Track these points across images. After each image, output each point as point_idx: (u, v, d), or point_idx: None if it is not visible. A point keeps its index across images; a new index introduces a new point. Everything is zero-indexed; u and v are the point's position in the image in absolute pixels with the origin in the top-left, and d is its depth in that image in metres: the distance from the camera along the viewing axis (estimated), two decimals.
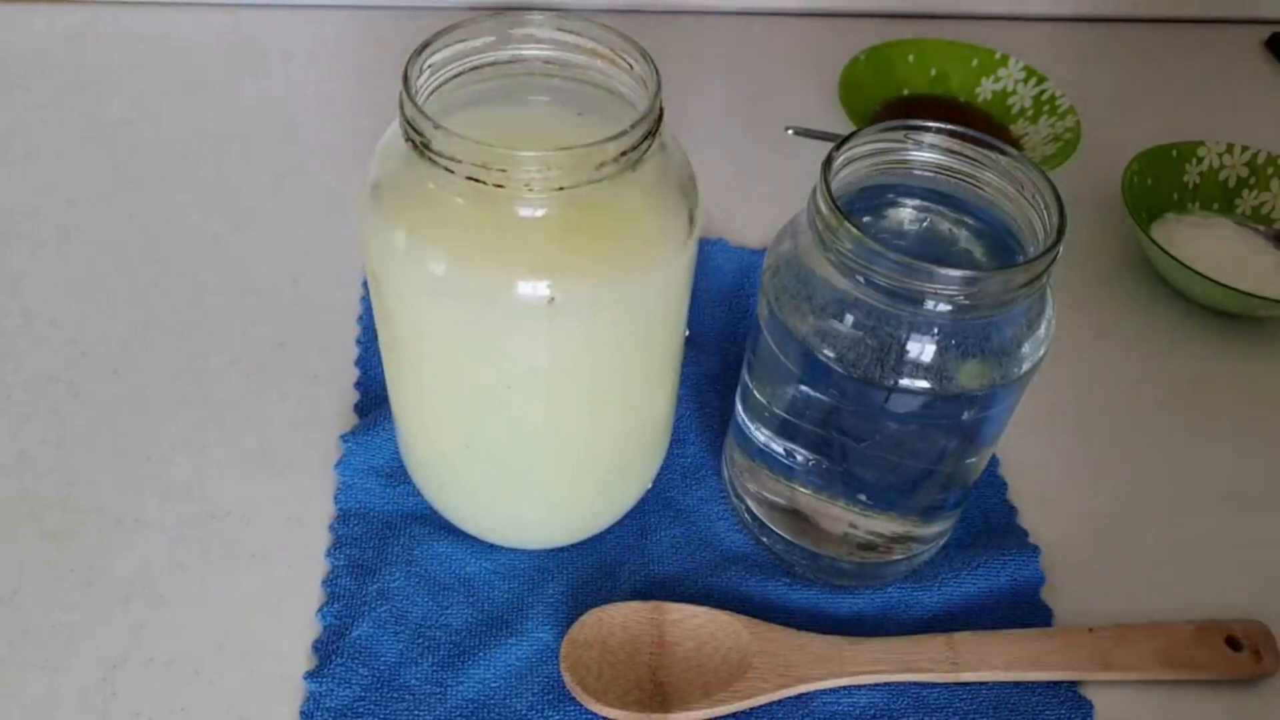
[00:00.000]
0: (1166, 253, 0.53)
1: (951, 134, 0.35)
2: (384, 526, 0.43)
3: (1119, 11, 0.79)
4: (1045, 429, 0.49)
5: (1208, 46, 0.77)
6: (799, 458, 0.39)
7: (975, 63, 0.66)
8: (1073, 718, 0.39)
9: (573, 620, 0.39)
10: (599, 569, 0.42)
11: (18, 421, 0.46)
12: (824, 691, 0.39)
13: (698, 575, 0.42)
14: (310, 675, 0.38)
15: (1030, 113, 0.63)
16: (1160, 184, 0.58)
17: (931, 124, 0.35)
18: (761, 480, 0.41)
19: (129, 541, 0.42)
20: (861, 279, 0.33)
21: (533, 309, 0.32)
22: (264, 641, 0.40)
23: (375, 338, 0.49)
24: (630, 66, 0.34)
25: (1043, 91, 0.63)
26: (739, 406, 0.41)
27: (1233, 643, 0.40)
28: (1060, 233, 0.32)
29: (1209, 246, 0.55)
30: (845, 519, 0.39)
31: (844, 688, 0.39)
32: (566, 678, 0.38)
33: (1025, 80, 0.64)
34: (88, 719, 0.37)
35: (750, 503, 0.43)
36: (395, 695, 0.38)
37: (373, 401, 0.48)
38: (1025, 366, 0.34)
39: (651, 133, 0.32)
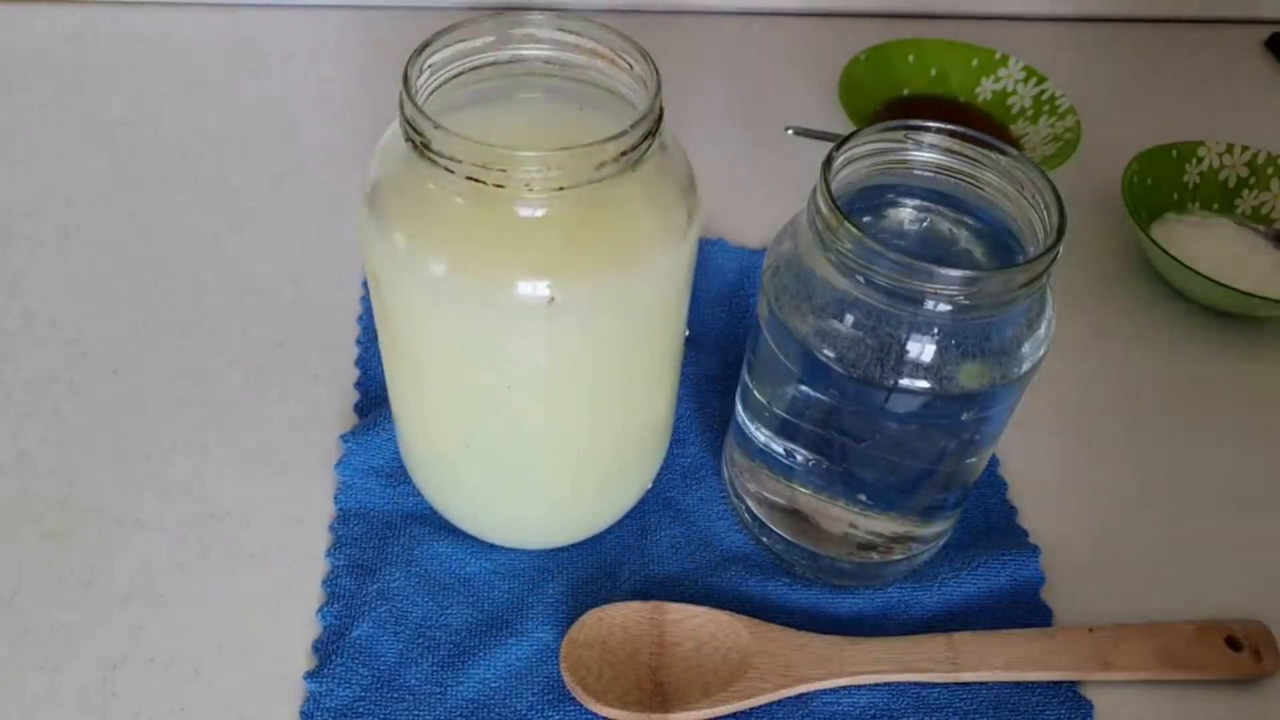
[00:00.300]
0: (1166, 253, 0.53)
1: (951, 134, 0.35)
2: (384, 526, 0.43)
3: (1119, 11, 0.79)
4: (1045, 429, 0.49)
5: (1208, 46, 0.77)
6: (799, 458, 0.39)
7: (975, 63, 0.66)
8: (1073, 718, 0.39)
9: (573, 620, 0.39)
10: (599, 569, 0.42)
11: (18, 421, 0.46)
12: (824, 691, 0.39)
13: (698, 575, 0.42)
14: (310, 675, 0.38)
15: (1030, 113, 0.63)
16: (1160, 184, 0.58)
17: (931, 124, 0.35)
18: (761, 480, 0.41)
19: (129, 541, 0.42)
20: (861, 279, 0.33)
21: (533, 309, 0.32)
22: (264, 641, 0.40)
23: (375, 338, 0.49)
24: (630, 66, 0.34)
25: (1043, 91, 0.63)
26: (739, 406, 0.41)
27: (1233, 643, 0.40)
28: (1060, 233, 0.32)
29: (1209, 246, 0.55)
30: (845, 519, 0.39)
31: (844, 688, 0.39)
32: (566, 678, 0.38)
33: (1025, 80, 0.64)
34: (88, 719, 0.37)
35: (750, 503, 0.43)
36: (395, 695, 0.38)
37: (373, 401, 0.48)
38: (1025, 366, 0.34)
39: (651, 133, 0.32)
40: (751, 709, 0.38)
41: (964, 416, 0.35)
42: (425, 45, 0.33)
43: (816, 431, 0.37)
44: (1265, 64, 0.76)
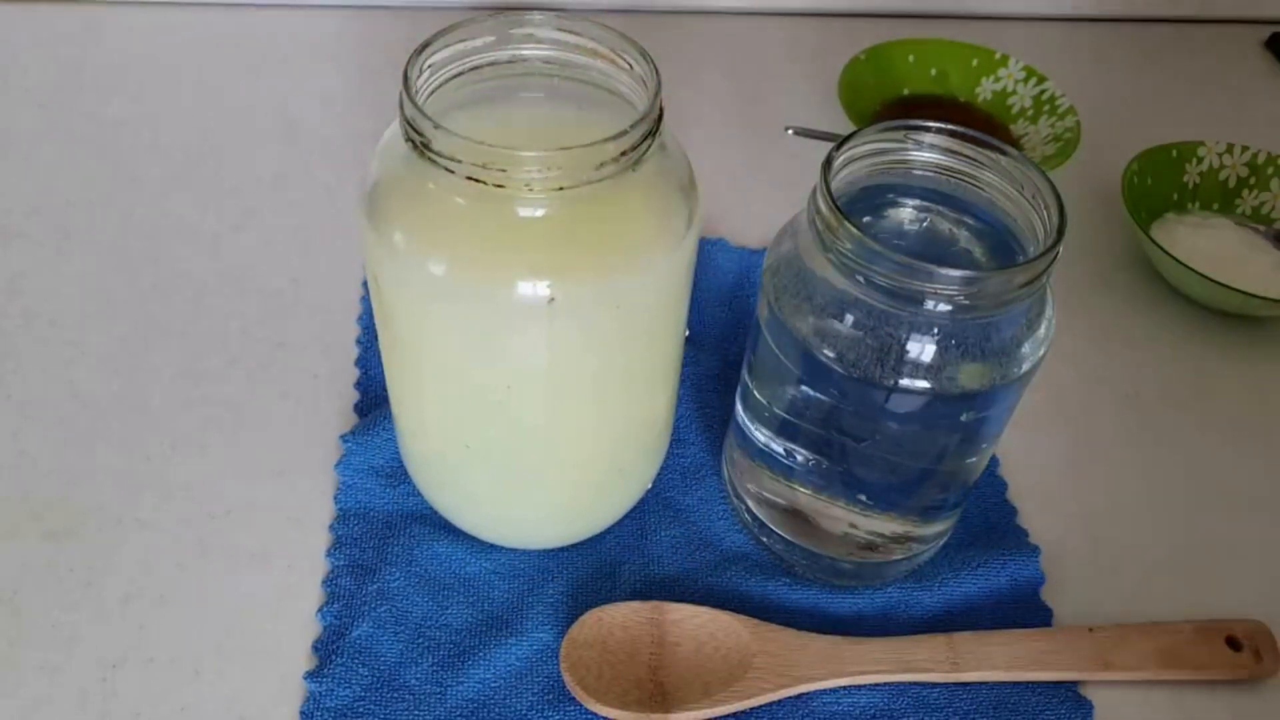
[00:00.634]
0: (1167, 253, 0.53)
1: (951, 134, 0.35)
2: (384, 526, 0.43)
3: (1119, 11, 0.79)
4: (1045, 429, 0.49)
5: (1208, 46, 0.77)
6: (799, 458, 0.39)
7: (975, 63, 0.66)
8: (1073, 718, 0.39)
9: (573, 620, 0.39)
10: (599, 569, 0.42)
11: (18, 421, 0.46)
12: (824, 691, 0.39)
13: (698, 575, 0.42)
14: (310, 675, 0.38)
15: (1030, 113, 0.63)
16: (1160, 184, 0.58)
17: (931, 124, 0.35)
18: (761, 480, 0.41)
19: (129, 541, 0.42)
20: (862, 279, 0.33)
21: (533, 309, 0.32)
22: (264, 641, 0.40)
23: (375, 338, 0.49)
24: (630, 66, 0.34)
25: (1043, 91, 0.63)
26: (739, 406, 0.41)
27: (1233, 643, 0.40)
28: (1060, 233, 0.32)
29: (1209, 246, 0.55)
30: (845, 519, 0.39)
31: (844, 688, 0.39)
32: (566, 678, 0.38)
33: (1025, 80, 0.64)
34: (87, 719, 0.37)
35: (750, 503, 0.43)
36: (395, 695, 0.38)
37: (373, 401, 0.48)
38: (1025, 366, 0.34)
39: (651, 133, 0.32)
40: (751, 709, 0.38)
41: (964, 416, 0.35)
42: (425, 45, 0.33)
43: (816, 431, 0.37)
44: (1265, 64, 0.76)
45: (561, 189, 0.31)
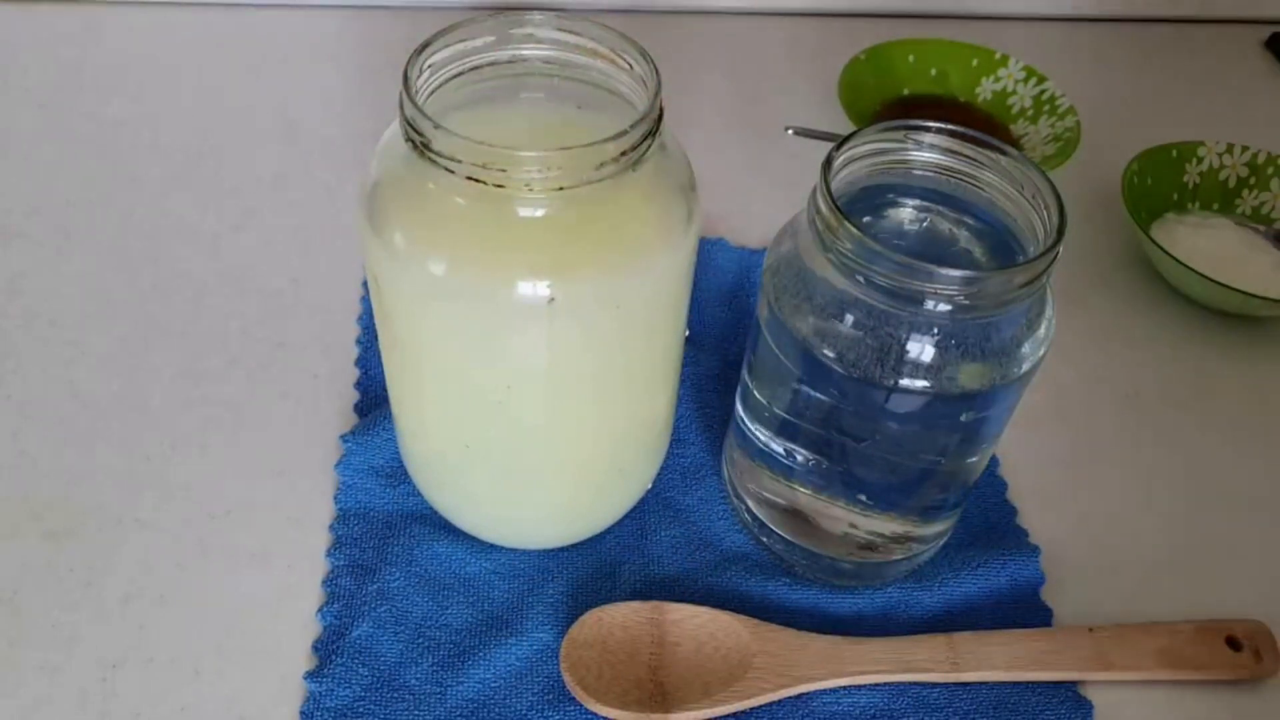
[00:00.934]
0: (1167, 253, 0.53)
1: (951, 134, 0.35)
2: (384, 526, 0.43)
3: (1119, 11, 0.79)
4: (1045, 429, 0.49)
5: (1208, 46, 0.77)
6: (799, 458, 0.39)
7: (975, 63, 0.66)
8: (1073, 718, 0.39)
9: (573, 620, 0.39)
10: (599, 569, 0.42)
11: (18, 421, 0.46)
12: (824, 691, 0.39)
13: (698, 575, 0.42)
14: (310, 675, 0.38)
15: (1030, 113, 0.63)
16: (1160, 184, 0.58)
17: (931, 124, 0.35)
18: (761, 480, 0.41)
19: (129, 541, 0.42)
20: (862, 279, 0.33)
21: (533, 309, 0.32)
22: (264, 641, 0.40)
23: (375, 338, 0.49)
24: (630, 66, 0.34)
25: (1043, 91, 0.63)
26: (739, 406, 0.41)
27: (1233, 643, 0.40)
28: (1060, 233, 0.32)
29: (1209, 246, 0.55)
30: (845, 519, 0.39)
31: (844, 688, 0.39)
32: (566, 678, 0.38)
33: (1025, 80, 0.64)
34: (87, 719, 0.37)
35: (750, 503, 0.43)
36: (395, 695, 0.38)
37: (373, 401, 0.48)
38: (1025, 366, 0.34)
39: (651, 133, 0.32)
40: (751, 709, 0.38)
41: (964, 416, 0.35)
42: (425, 45, 0.33)
43: (816, 431, 0.37)
44: (1265, 64, 0.76)
45: (561, 189, 0.31)
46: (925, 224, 0.36)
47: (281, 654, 0.39)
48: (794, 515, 0.41)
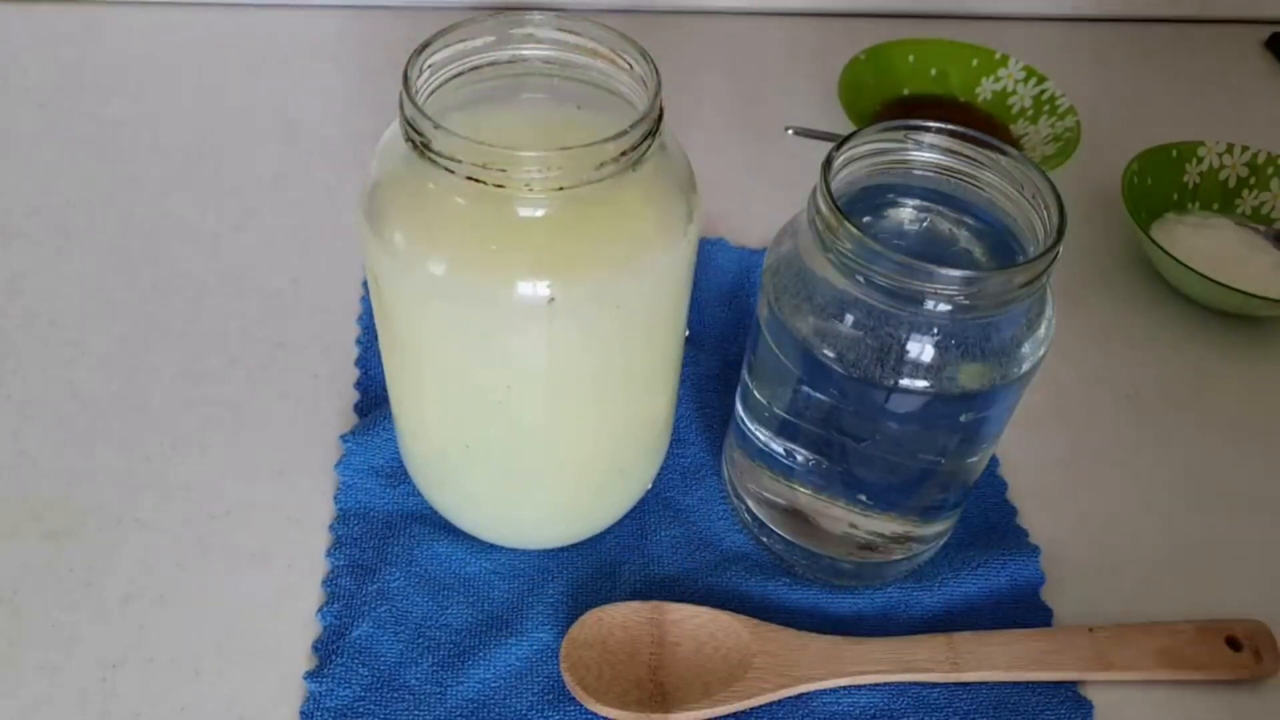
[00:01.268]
0: (1167, 253, 0.53)
1: (951, 134, 0.35)
2: (384, 526, 0.43)
3: (1119, 11, 0.79)
4: (1045, 429, 0.49)
5: (1208, 46, 0.77)
6: (799, 458, 0.39)
7: (975, 63, 0.66)
8: (1073, 718, 0.39)
9: (573, 620, 0.39)
10: (599, 569, 0.42)
11: (18, 421, 0.46)
12: (824, 691, 0.39)
13: (698, 575, 0.42)
14: (310, 675, 0.38)
15: (1030, 113, 0.63)
16: (1160, 184, 0.58)
17: (931, 124, 0.35)
18: (761, 480, 0.41)
19: (129, 541, 0.42)
20: (862, 279, 0.33)
21: (533, 309, 0.32)
22: (264, 641, 0.40)
23: (375, 338, 0.49)
24: (630, 66, 0.34)
25: (1043, 91, 0.63)
26: (739, 406, 0.41)
27: (1233, 643, 0.40)
28: (1060, 233, 0.32)
29: (1209, 246, 0.55)
30: (845, 519, 0.39)
31: (844, 688, 0.39)
32: (566, 678, 0.38)
33: (1025, 80, 0.64)
34: (87, 719, 0.37)
35: (750, 503, 0.43)
36: (395, 695, 0.38)
37: (373, 401, 0.48)
38: (1025, 366, 0.34)
39: (651, 133, 0.32)
40: (751, 709, 0.38)
41: (964, 417, 0.35)
42: (425, 45, 0.33)
43: (816, 431, 0.37)
44: (1265, 64, 0.76)
45: (561, 189, 0.31)
46: (925, 224, 0.36)
47: (281, 654, 0.39)
48: (794, 515, 0.41)
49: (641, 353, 0.37)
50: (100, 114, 0.63)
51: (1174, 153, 0.59)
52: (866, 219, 0.36)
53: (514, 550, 0.43)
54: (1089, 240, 0.59)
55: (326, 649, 0.39)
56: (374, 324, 0.49)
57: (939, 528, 0.41)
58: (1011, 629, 0.40)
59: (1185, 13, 0.79)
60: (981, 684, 0.39)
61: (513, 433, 0.37)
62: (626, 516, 0.44)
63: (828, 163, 0.34)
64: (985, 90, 0.65)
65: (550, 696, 0.38)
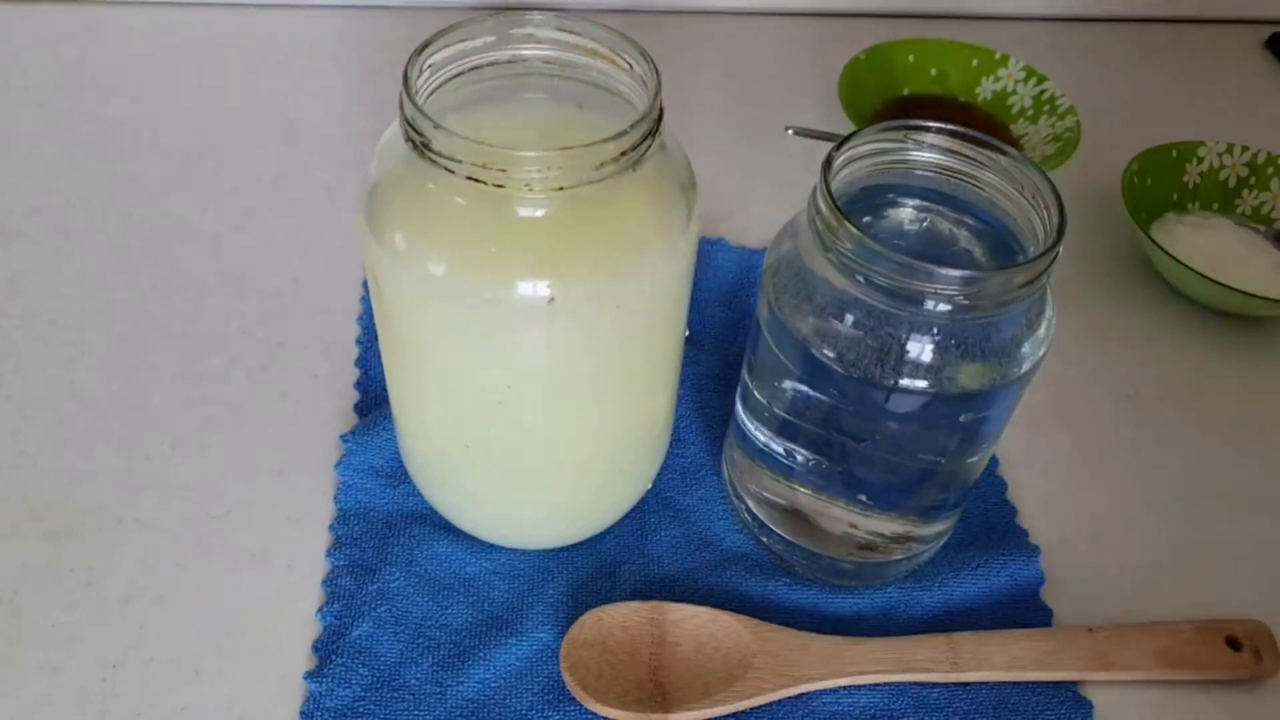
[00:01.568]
0: (1167, 253, 0.53)
1: (951, 134, 0.35)
2: (384, 526, 0.43)
3: (1119, 11, 0.79)
4: (1045, 429, 0.49)
5: (1208, 46, 0.77)
6: (799, 458, 0.39)
7: (975, 63, 0.66)
8: (1073, 718, 0.39)
9: (573, 620, 0.39)
10: (599, 569, 0.42)
11: (18, 421, 0.46)
12: (824, 691, 0.39)
13: (698, 575, 0.42)
14: (310, 675, 0.38)
15: (1030, 113, 0.63)
16: (1160, 184, 0.58)
17: (931, 124, 0.35)
18: (761, 480, 0.41)
19: (129, 541, 0.42)
20: (862, 279, 0.33)
21: (533, 309, 0.32)
22: (264, 641, 0.40)
23: (375, 338, 0.49)
24: (630, 66, 0.34)
25: (1043, 91, 0.63)
26: (739, 406, 0.41)
27: (1233, 643, 0.40)
28: (1060, 233, 0.32)
29: (1209, 246, 0.55)
30: (845, 519, 0.39)
31: (844, 688, 0.39)
32: (566, 678, 0.38)
33: (1025, 80, 0.64)
34: (87, 719, 0.37)
35: (750, 503, 0.43)
36: (395, 695, 0.38)
37: (373, 401, 0.48)
38: (1025, 366, 0.34)
39: (651, 133, 0.32)
40: (751, 709, 0.38)
41: (963, 417, 0.35)
42: (425, 45, 0.33)
43: (816, 431, 0.37)
44: (1265, 64, 0.76)
45: (561, 189, 0.31)
46: (925, 224, 0.36)
47: (281, 654, 0.39)
48: (794, 515, 0.41)
49: (641, 353, 0.37)
50: (100, 114, 0.63)
51: (1174, 153, 0.59)
52: (866, 219, 0.36)
53: (514, 550, 0.43)
54: (1089, 240, 0.59)
55: (326, 649, 0.39)
56: (374, 324, 0.49)
57: (939, 528, 0.41)
58: (1011, 629, 0.40)
59: (1185, 13, 0.79)
60: (981, 684, 0.39)
61: (513, 433, 0.37)
62: (626, 516, 0.44)
63: (828, 163, 0.34)
64: (985, 90, 0.65)
65: (550, 696, 0.38)
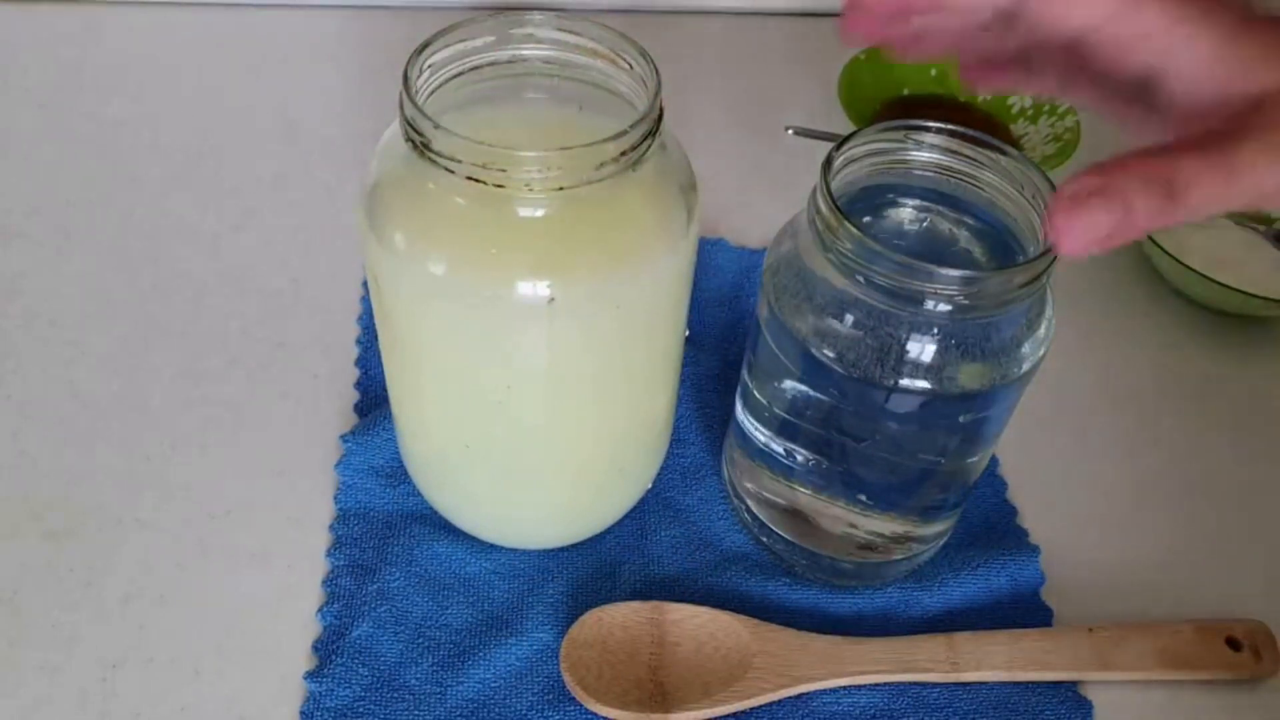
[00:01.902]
0: (1166, 252, 0.53)
1: (951, 134, 0.35)
2: (384, 526, 0.43)
3: None
4: (1045, 429, 0.49)
5: None
6: (799, 458, 0.39)
7: None
8: (1073, 718, 0.39)
9: (573, 620, 0.39)
10: (599, 569, 0.42)
11: (18, 421, 0.46)
12: (824, 691, 0.39)
13: (698, 575, 0.42)
14: (310, 675, 0.38)
15: (1030, 113, 0.63)
16: None
17: (931, 124, 0.35)
18: (761, 480, 0.41)
19: (129, 541, 0.42)
20: (861, 279, 0.33)
21: (533, 309, 0.32)
22: (264, 641, 0.40)
23: (375, 338, 0.49)
24: (630, 66, 0.34)
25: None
26: (739, 406, 0.41)
27: (1233, 643, 0.40)
28: None
29: (1209, 246, 0.55)
30: (845, 519, 0.39)
31: (844, 688, 0.39)
32: (566, 678, 0.38)
33: None
34: (87, 719, 0.37)
35: (750, 503, 0.43)
36: (395, 695, 0.38)
37: (373, 401, 0.48)
38: (1025, 366, 0.34)
39: (651, 133, 0.32)
40: (751, 709, 0.38)
41: (963, 417, 0.35)
42: (425, 45, 0.33)
43: (816, 431, 0.37)
44: None
45: (561, 189, 0.31)
46: (925, 224, 0.36)
47: (281, 654, 0.39)
48: (794, 515, 0.41)
49: (641, 353, 0.37)
50: (100, 114, 0.63)
51: None
52: (866, 219, 0.36)
53: (514, 550, 0.43)
54: None
55: (326, 649, 0.39)
56: (374, 324, 0.49)
57: (939, 528, 0.41)
58: (1011, 629, 0.40)
59: None
60: (981, 684, 0.39)
61: (513, 433, 0.37)
62: (626, 516, 0.44)
63: (828, 163, 0.34)
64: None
65: (550, 696, 0.38)
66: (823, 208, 0.33)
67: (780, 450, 0.39)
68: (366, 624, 0.40)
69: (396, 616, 0.40)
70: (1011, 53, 0.32)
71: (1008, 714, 0.39)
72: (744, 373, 0.41)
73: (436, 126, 0.30)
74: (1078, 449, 0.49)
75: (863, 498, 0.39)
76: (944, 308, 0.32)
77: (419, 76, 0.32)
